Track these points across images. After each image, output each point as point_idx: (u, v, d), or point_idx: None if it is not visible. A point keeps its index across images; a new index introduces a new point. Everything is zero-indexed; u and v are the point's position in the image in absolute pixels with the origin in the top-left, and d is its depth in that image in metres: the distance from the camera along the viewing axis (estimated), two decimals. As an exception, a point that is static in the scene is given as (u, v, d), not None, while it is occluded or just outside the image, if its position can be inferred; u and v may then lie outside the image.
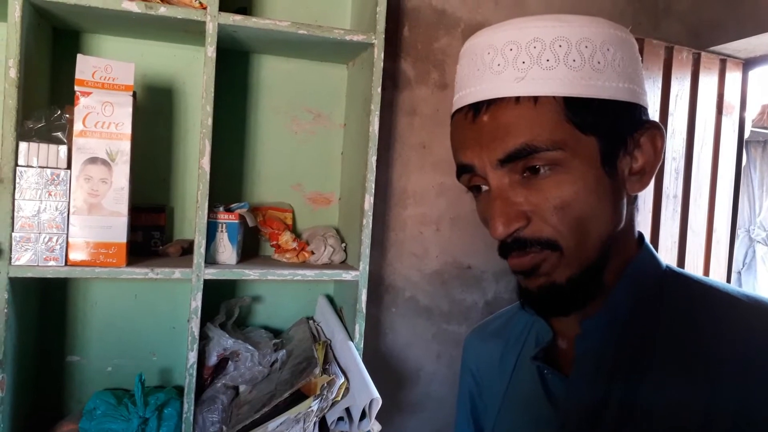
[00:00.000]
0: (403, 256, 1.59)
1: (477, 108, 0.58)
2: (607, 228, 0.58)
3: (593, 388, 0.60)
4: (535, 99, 0.55)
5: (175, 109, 1.38)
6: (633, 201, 0.62)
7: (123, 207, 1.13)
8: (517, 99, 0.55)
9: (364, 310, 1.31)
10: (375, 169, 1.29)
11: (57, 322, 1.33)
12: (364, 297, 1.30)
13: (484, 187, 0.61)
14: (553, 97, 0.55)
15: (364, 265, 1.30)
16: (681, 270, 0.64)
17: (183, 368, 1.40)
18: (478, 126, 0.58)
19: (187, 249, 1.34)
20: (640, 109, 0.58)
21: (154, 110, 1.34)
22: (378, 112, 1.28)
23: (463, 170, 0.61)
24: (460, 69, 0.62)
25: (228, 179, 1.41)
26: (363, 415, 1.19)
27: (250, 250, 1.42)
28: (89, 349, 1.35)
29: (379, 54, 1.27)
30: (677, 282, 0.62)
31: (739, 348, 0.53)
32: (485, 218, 0.61)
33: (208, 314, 1.31)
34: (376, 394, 1.17)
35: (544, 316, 0.66)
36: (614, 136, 0.57)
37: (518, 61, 0.55)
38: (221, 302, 1.36)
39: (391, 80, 1.54)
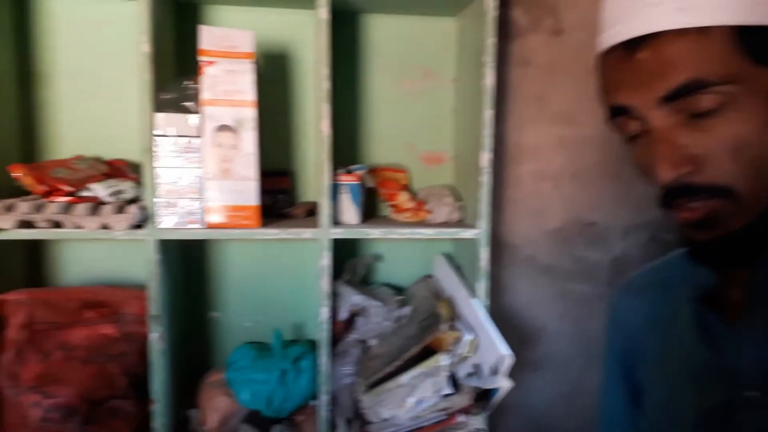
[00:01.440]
0: (521, 214, 1.55)
1: (632, 45, 0.53)
2: None
3: (765, 336, 0.54)
4: (702, 29, 0.49)
5: (290, 75, 1.42)
6: None
7: (252, 171, 1.18)
8: (680, 31, 0.50)
9: (486, 269, 1.29)
10: (490, 123, 1.25)
11: (198, 282, 1.44)
12: (485, 255, 1.28)
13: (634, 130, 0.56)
14: (722, 26, 0.49)
15: (484, 224, 1.27)
16: None
17: (314, 323, 1.47)
18: (636, 64, 0.53)
19: (311, 210, 1.38)
20: None
21: (270, 77, 1.38)
22: (492, 64, 1.23)
23: (618, 112, 0.57)
24: (609, 5, 0.58)
25: (343, 141, 1.43)
26: (493, 372, 1.18)
27: (367, 211, 1.44)
28: (229, 305, 1.45)
29: (490, 2, 1.22)
30: None
31: None
32: (645, 164, 0.56)
33: (333, 272, 1.35)
34: (507, 350, 1.16)
35: (718, 268, 0.60)
36: None
37: None
38: (345, 261, 1.40)
39: (502, 29, 1.48)
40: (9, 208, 1.09)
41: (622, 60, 0.55)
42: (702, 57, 0.49)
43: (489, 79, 1.24)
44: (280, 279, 1.46)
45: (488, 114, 1.24)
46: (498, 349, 1.16)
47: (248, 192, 1.19)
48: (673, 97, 0.51)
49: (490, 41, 1.23)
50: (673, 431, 0.64)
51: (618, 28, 0.55)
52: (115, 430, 1.21)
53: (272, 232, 1.21)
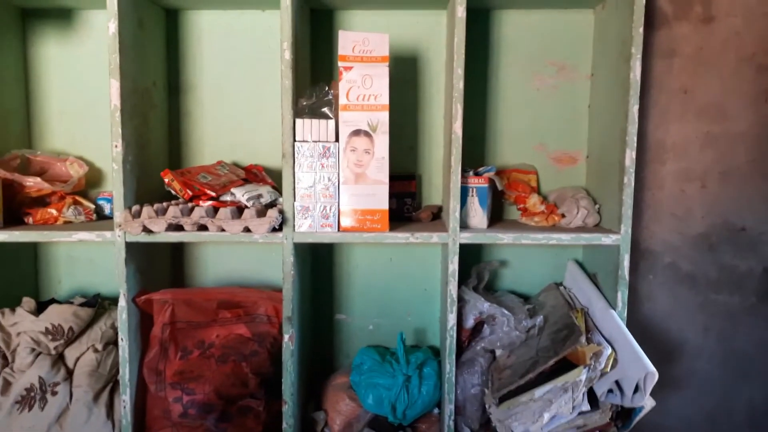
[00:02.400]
0: (662, 218, 1.43)
1: None
2: None
3: None
4: None
5: (418, 77, 1.40)
6: None
7: (384, 175, 1.17)
8: None
9: (627, 277, 1.20)
10: (637, 120, 1.16)
11: (326, 284, 1.46)
12: (626, 263, 1.19)
13: None
14: None
15: (626, 228, 1.19)
16: None
17: (436, 328, 1.45)
18: None
19: (436, 214, 1.36)
20: None
21: (399, 79, 1.37)
22: (639, 56, 1.14)
23: None
24: None
25: (470, 142, 1.38)
26: (636, 390, 1.10)
27: (494, 214, 1.39)
28: (353, 308, 1.47)
29: (638, -11, 1.13)
30: None
31: None
32: None
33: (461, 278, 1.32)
34: (651, 367, 1.07)
35: None
36: None
37: None
38: (469, 266, 1.36)
39: (646, 18, 1.36)
40: (160, 212, 1.16)
41: None
42: None
43: (636, 71, 1.15)
44: (402, 283, 1.45)
45: (634, 109, 1.15)
46: (644, 366, 1.07)
47: (379, 196, 1.18)
48: None
49: (639, 31, 1.14)
50: None
51: None
52: (247, 428, 1.25)
53: (401, 236, 1.20)
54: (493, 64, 1.39)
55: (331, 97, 1.17)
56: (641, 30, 1.14)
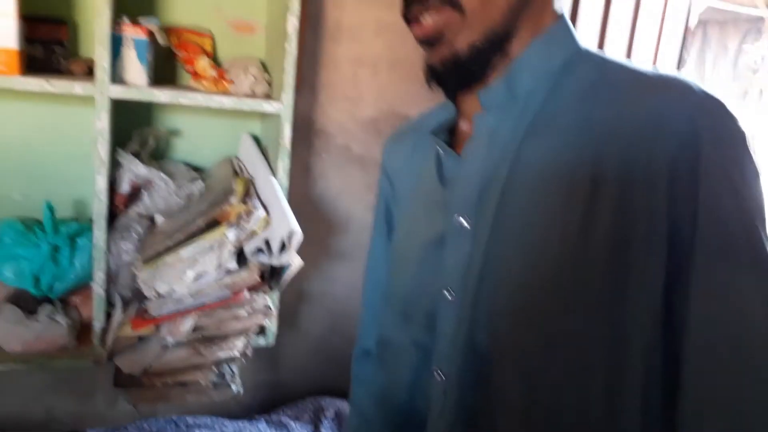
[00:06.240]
0: (336, 99, 1.50)
1: None
2: None
3: (484, 165, 0.56)
4: None
5: None
6: None
7: (10, 6, 0.98)
8: None
9: (288, 147, 1.24)
10: (301, -11, 1.16)
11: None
12: (287, 132, 1.23)
13: None
14: None
15: (288, 96, 1.21)
16: (600, 52, 0.58)
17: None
18: None
19: (93, 69, 1.21)
20: None
21: None
22: None
23: None
24: None
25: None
26: (282, 248, 1.16)
27: (163, 76, 1.29)
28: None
29: None
30: (590, 61, 0.56)
31: (628, 112, 0.49)
32: None
33: (119, 142, 1.22)
34: (295, 227, 1.13)
35: (447, 91, 0.61)
36: None
37: None
38: (132, 131, 1.26)
39: None
40: None
41: None
42: None
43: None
44: (55, 148, 1.27)
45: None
46: (288, 224, 1.13)
47: (5, 31, 0.99)
48: None
49: None
50: (402, 265, 0.66)
51: None
52: None
53: (34, 82, 1.04)
54: None
55: None
56: None
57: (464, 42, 0.54)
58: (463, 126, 0.62)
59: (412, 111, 1.57)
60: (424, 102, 1.53)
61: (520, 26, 0.55)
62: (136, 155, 1.23)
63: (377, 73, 1.52)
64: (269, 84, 1.29)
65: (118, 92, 1.10)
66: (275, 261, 1.17)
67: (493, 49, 0.54)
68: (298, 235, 1.14)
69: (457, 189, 0.57)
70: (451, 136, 0.64)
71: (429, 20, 0.54)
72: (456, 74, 0.56)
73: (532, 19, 0.56)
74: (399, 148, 0.74)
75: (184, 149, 1.38)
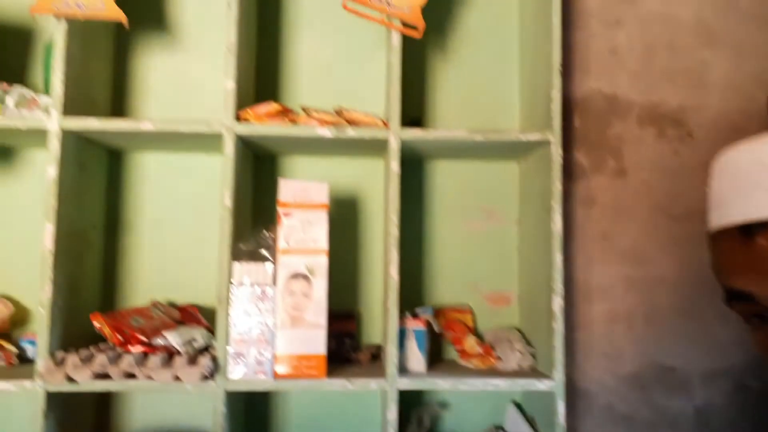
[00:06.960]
0: (593, 358, 1.47)
1: (748, 229, 0.52)
2: None
3: None
4: None
5: (359, 218, 1.45)
6: None
7: (322, 319, 1.18)
8: None
9: (563, 423, 1.20)
10: (562, 268, 1.23)
11: (260, 429, 1.39)
12: (561, 409, 1.21)
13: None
14: None
15: (559, 375, 1.21)
16: None
17: (375, 479, 1.38)
18: (755, 250, 0.51)
19: (376, 354, 1.35)
20: None
21: (339, 220, 1.42)
22: (559, 209, 1.24)
23: (737, 297, 0.54)
24: (717, 183, 0.57)
25: (406, 282, 1.42)
26: None
27: (433, 353, 1.39)
28: (290, 457, 1.39)
29: (556, 150, 1.24)
30: None
31: None
32: None
33: (399, 424, 1.29)
34: None
35: None
36: None
37: None
38: (410, 408, 1.34)
39: (565, 171, 1.50)
40: (86, 360, 1.11)
41: (738, 243, 0.52)
42: None
43: (557, 223, 1.23)
44: (344, 427, 1.40)
45: (558, 257, 1.23)
46: None
47: (316, 340, 1.18)
48: None
49: (557, 186, 1.24)
50: None
51: (731, 210, 0.53)
52: None
53: (338, 383, 1.18)
54: (427, 208, 1.47)
55: (270, 241, 1.20)
56: (559, 184, 1.24)
57: None
58: None
59: (677, 362, 1.47)
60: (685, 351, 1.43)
61: None
62: (415, 436, 1.29)
63: (632, 328, 1.48)
64: (533, 356, 1.31)
65: (405, 384, 1.20)
66: None
67: None
68: None
69: None
70: None
71: None
72: None
73: None
74: None
75: (449, 420, 1.43)
